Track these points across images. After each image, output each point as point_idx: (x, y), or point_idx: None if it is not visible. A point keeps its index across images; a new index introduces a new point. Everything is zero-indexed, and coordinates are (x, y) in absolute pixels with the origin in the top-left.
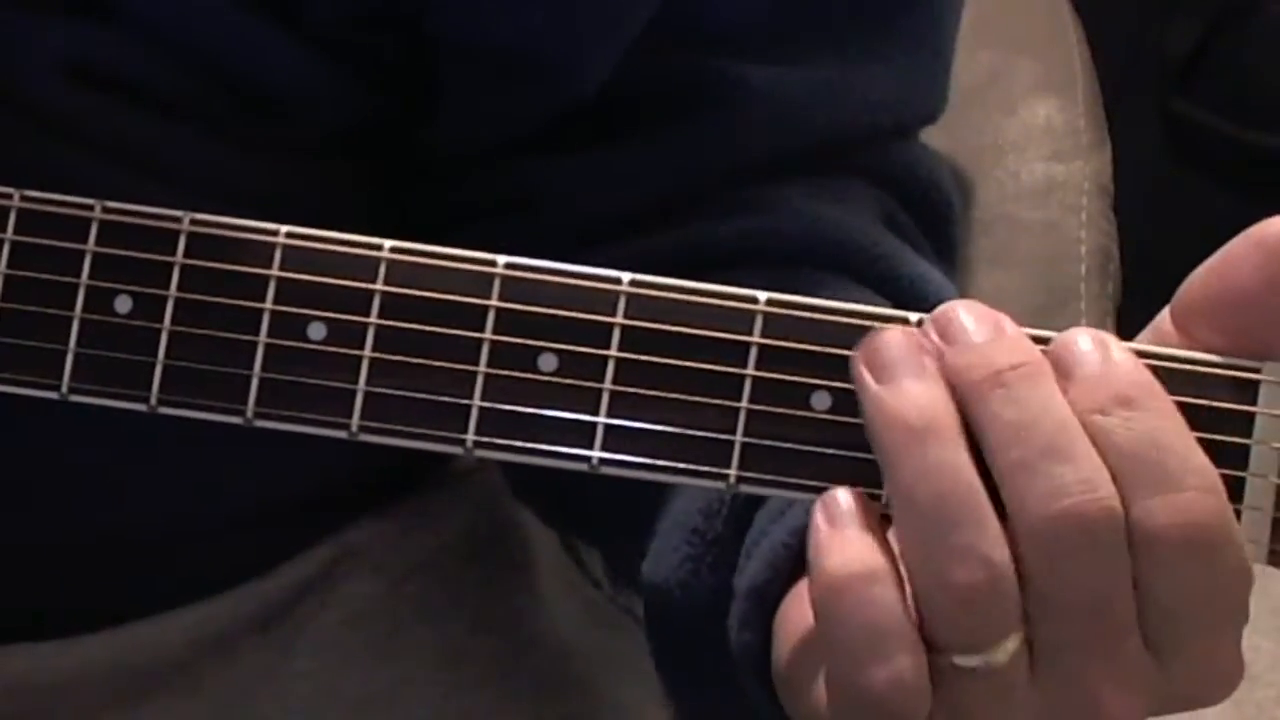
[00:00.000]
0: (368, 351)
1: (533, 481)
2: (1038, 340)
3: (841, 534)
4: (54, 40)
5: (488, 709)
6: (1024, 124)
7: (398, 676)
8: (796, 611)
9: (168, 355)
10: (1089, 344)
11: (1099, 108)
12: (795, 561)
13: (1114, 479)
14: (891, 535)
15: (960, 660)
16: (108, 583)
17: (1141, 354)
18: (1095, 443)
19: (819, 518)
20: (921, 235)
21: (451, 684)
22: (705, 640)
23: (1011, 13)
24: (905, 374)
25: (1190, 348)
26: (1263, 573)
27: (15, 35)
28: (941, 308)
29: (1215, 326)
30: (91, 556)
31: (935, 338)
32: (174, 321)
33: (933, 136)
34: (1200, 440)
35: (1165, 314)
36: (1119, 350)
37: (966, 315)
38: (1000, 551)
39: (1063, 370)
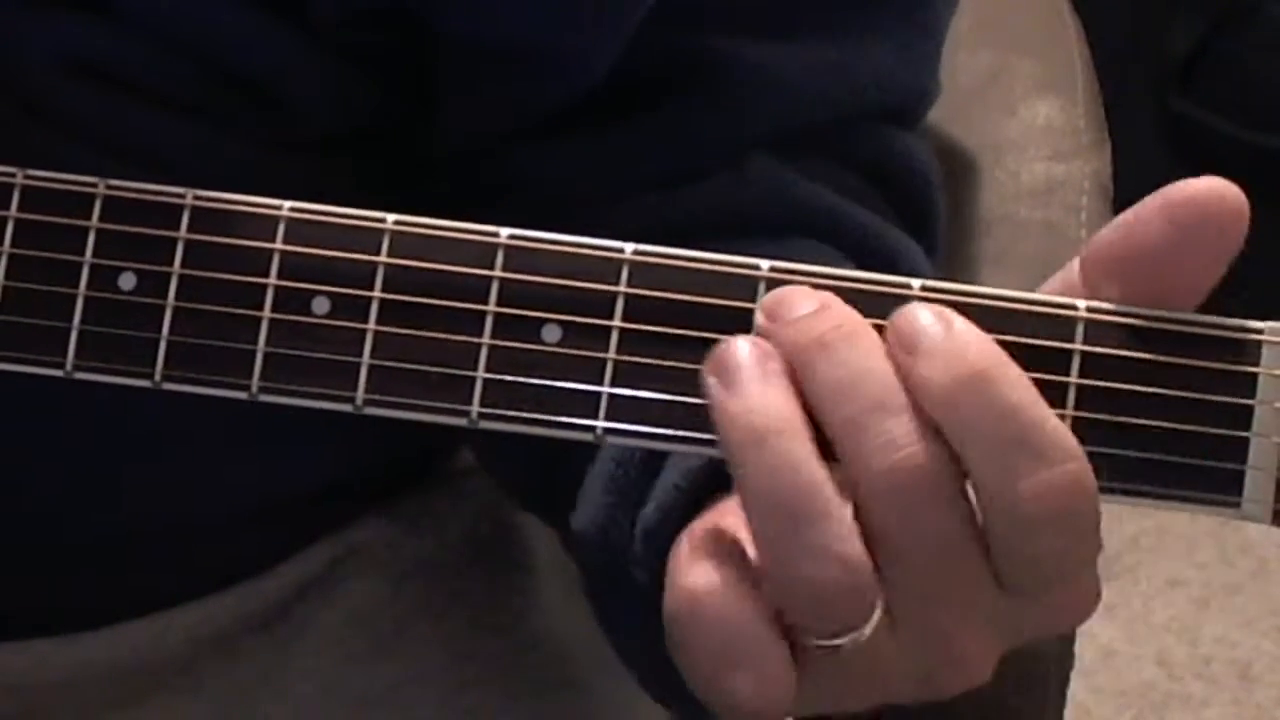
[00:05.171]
0: (372, 324)
1: (496, 450)
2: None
3: (695, 550)
4: (54, 35)
5: (488, 708)
6: (1024, 124)
7: (399, 676)
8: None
9: (172, 331)
10: (929, 318)
11: (1099, 108)
12: (686, 503)
13: (974, 457)
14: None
15: (824, 643)
16: (108, 581)
17: (1141, 315)
18: (947, 421)
19: (683, 537)
20: (896, 220)
21: (452, 683)
22: (627, 584)
23: (1011, 13)
24: (748, 379)
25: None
26: (1263, 572)
27: (15, 30)
28: (772, 293)
29: (1120, 281)
30: (92, 555)
31: (762, 319)
32: (178, 297)
33: (933, 137)
34: (1203, 402)
35: (1075, 264)
36: (961, 323)
37: (794, 295)
38: (852, 544)
39: (906, 345)
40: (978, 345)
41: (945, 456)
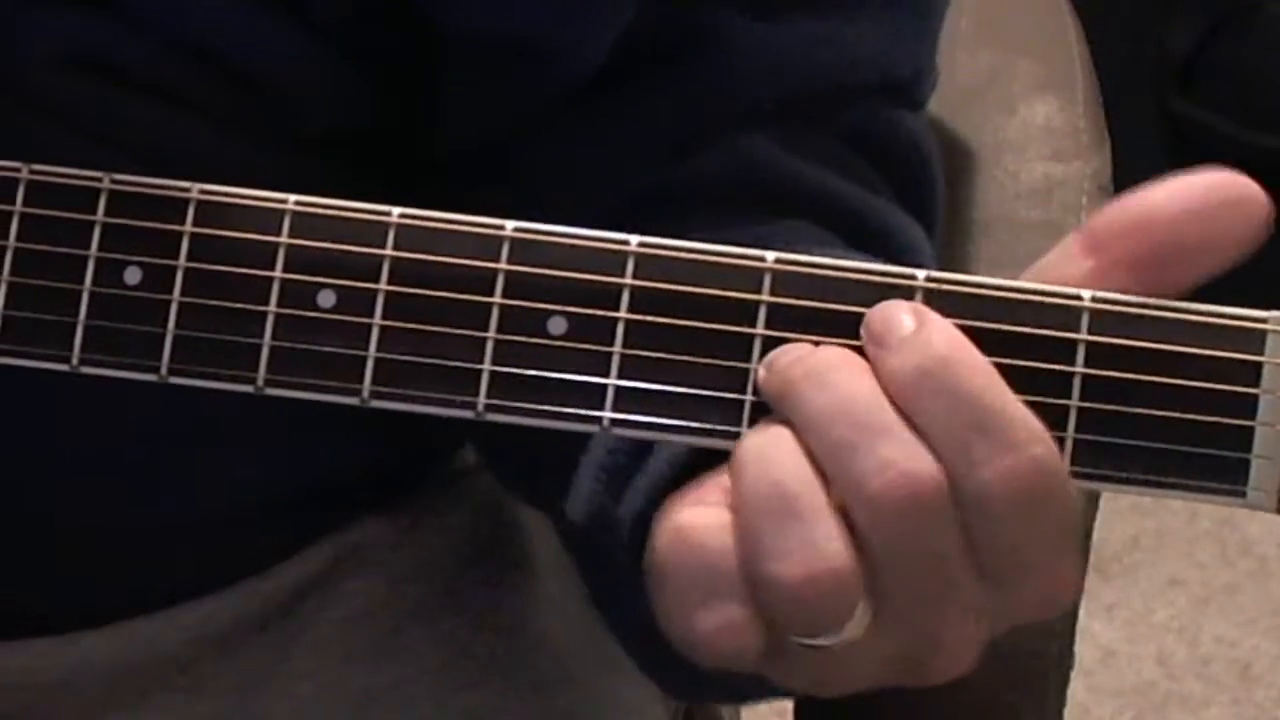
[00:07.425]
0: (378, 318)
1: (492, 439)
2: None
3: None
4: (54, 30)
5: (488, 708)
6: (1024, 124)
7: (398, 676)
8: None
9: (178, 326)
10: (903, 313)
11: (1099, 108)
12: (671, 489)
13: (938, 447)
14: None
15: (804, 641)
16: (108, 580)
17: (1147, 305)
18: (914, 412)
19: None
20: (895, 196)
21: (452, 683)
22: (617, 569)
23: (1011, 13)
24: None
25: (1094, 275)
26: (1263, 572)
27: (15, 25)
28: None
29: (1126, 253)
30: (92, 554)
31: (761, 371)
32: (183, 292)
33: (933, 135)
34: (1208, 391)
35: (1070, 240)
36: (932, 317)
37: (786, 348)
38: (831, 545)
39: (878, 341)
40: (943, 334)
41: (937, 472)
